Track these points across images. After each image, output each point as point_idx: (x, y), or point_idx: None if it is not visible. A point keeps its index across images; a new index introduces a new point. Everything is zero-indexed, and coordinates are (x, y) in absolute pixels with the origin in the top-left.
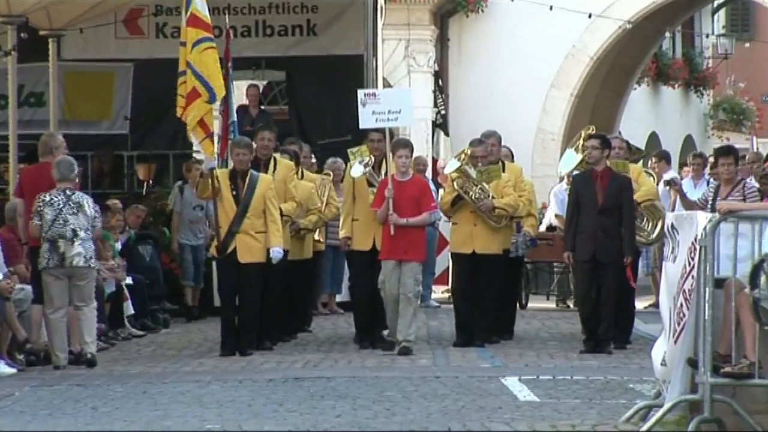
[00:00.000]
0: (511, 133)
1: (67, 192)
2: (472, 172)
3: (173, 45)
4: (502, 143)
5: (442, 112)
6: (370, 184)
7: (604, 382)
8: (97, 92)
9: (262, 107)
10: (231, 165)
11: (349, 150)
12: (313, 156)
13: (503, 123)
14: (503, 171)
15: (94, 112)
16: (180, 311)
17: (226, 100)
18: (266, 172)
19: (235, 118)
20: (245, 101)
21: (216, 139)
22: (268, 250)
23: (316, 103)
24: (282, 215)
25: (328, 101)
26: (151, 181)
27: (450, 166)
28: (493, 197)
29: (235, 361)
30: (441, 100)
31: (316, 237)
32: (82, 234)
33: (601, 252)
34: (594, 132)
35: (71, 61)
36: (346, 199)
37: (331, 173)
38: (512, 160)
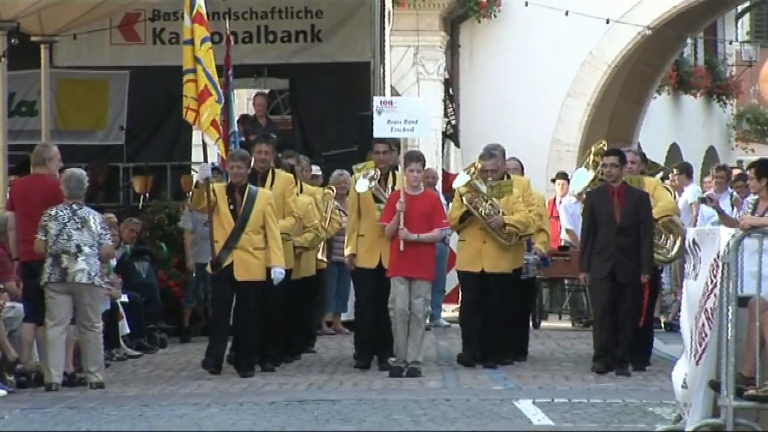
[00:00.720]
0: (525, 144)
1: (74, 206)
2: (482, 187)
3: (171, 51)
4: (513, 155)
5: (453, 122)
6: (376, 200)
7: (622, 405)
8: (92, 101)
9: (272, 117)
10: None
11: (354, 166)
12: (318, 168)
13: (516, 133)
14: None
15: (88, 121)
16: (177, 331)
17: (227, 109)
18: (264, 185)
19: (236, 128)
20: (251, 111)
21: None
22: (268, 269)
23: (320, 112)
24: (280, 233)
25: (333, 111)
26: (147, 194)
27: (459, 180)
28: (503, 213)
29: (236, 382)
30: (451, 109)
31: (319, 256)
32: (86, 250)
33: (620, 271)
34: (605, 146)
35: (64, 69)
36: (350, 214)
37: (335, 188)
38: (522, 173)
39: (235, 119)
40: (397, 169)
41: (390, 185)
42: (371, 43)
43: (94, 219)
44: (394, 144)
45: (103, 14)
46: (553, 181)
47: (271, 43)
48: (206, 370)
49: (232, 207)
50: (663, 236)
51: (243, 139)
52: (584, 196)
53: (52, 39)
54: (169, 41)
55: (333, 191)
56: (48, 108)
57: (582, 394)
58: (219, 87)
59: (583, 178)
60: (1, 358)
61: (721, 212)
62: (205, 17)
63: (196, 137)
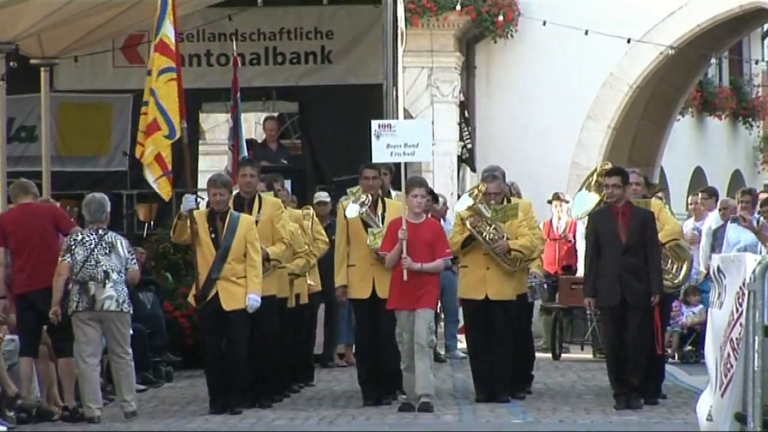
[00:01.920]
0: (544, 168)
1: (100, 231)
2: (486, 211)
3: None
4: (532, 179)
5: (468, 146)
6: (367, 226)
7: None
8: (94, 126)
9: (281, 141)
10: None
11: (349, 189)
12: (327, 194)
13: (535, 157)
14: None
15: (91, 147)
16: (184, 363)
17: (236, 134)
18: (250, 211)
19: (246, 154)
20: (259, 134)
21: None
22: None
23: (331, 136)
24: (270, 259)
25: (344, 134)
26: (152, 222)
27: (461, 203)
28: (507, 238)
29: (245, 417)
30: (467, 132)
31: (309, 281)
32: (114, 276)
33: (629, 295)
34: (610, 167)
35: (65, 92)
36: (339, 242)
37: (311, 208)
38: (519, 196)
39: (245, 144)
40: (389, 196)
41: (380, 212)
42: (384, 65)
43: (122, 244)
44: (385, 169)
45: (106, 36)
46: (550, 202)
47: (280, 65)
48: (215, 413)
49: (213, 236)
50: (670, 261)
51: None
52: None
53: (53, 62)
54: None
55: (311, 210)
56: (48, 133)
57: (603, 427)
58: (174, 122)
59: (585, 202)
60: (1, 393)
61: (757, 231)
62: (171, 45)
63: (203, 163)
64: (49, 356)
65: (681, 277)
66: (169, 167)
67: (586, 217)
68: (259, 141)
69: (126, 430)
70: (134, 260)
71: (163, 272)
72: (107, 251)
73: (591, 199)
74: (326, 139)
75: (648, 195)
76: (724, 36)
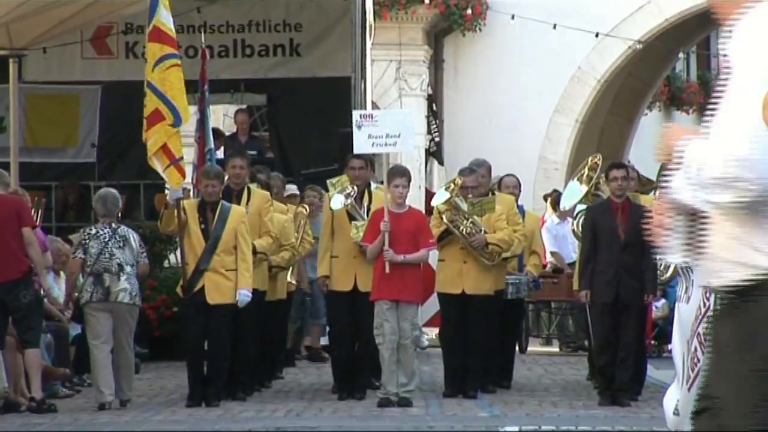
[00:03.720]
0: (512, 161)
1: (113, 225)
2: (463, 205)
3: (144, 66)
4: (499, 172)
5: (437, 139)
6: (352, 218)
7: None
8: (62, 117)
9: (254, 134)
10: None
11: (328, 180)
12: (296, 187)
13: (503, 151)
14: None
15: (59, 138)
16: (151, 356)
17: (203, 126)
18: (239, 202)
19: (212, 146)
20: (228, 127)
21: (191, 168)
22: None
23: (299, 129)
24: (256, 252)
25: (312, 127)
26: (120, 214)
27: (438, 197)
28: (485, 232)
29: (211, 409)
30: (435, 126)
31: (288, 278)
32: (127, 269)
33: (623, 293)
34: (599, 161)
35: (34, 83)
36: (323, 234)
37: (307, 207)
38: (519, 191)
39: (211, 136)
40: (372, 186)
41: (366, 203)
42: (352, 58)
43: (134, 238)
44: (365, 160)
45: (74, 27)
46: (545, 198)
47: (249, 57)
48: (193, 406)
49: (203, 226)
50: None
51: (220, 157)
52: (572, 212)
53: (21, 53)
54: (142, 55)
55: (306, 210)
56: (17, 124)
57: (570, 421)
58: (178, 109)
59: (575, 192)
60: None
61: None
62: (169, 32)
63: None
64: (16, 347)
65: (669, 273)
66: (177, 155)
67: (575, 209)
68: (228, 134)
69: (94, 421)
70: (145, 254)
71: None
72: (121, 245)
73: (580, 190)
74: (294, 132)
75: (644, 191)
76: (692, 31)
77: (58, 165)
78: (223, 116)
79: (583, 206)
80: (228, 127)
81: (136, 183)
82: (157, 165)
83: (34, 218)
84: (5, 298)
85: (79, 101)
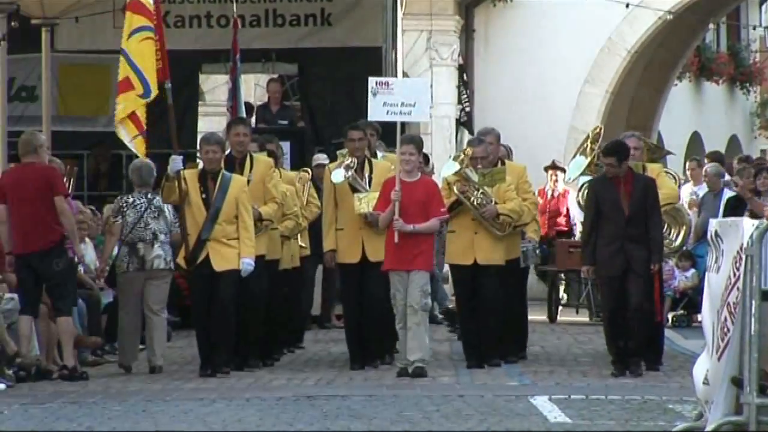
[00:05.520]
0: (542, 132)
1: (149, 195)
2: (473, 175)
3: (176, 35)
4: (529, 143)
5: (467, 109)
6: (354, 189)
7: (641, 403)
8: (94, 86)
9: (285, 103)
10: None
11: (338, 152)
12: (326, 156)
13: (533, 121)
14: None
15: (91, 107)
16: (182, 324)
17: (235, 95)
18: (242, 171)
19: (244, 114)
20: (259, 97)
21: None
22: None
23: (330, 98)
24: (262, 219)
25: (343, 97)
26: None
27: (447, 168)
28: (495, 202)
29: (242, 377)
30: (465, 96)
31: (300, 242)
32: (162, 237)
33: (635, 262)
34: (601, 131)
35: (66, 53)
36: (326, 206)
37: (310, 171)
38: (510, 158)
39: (243, 106)
40: (375, 157)
41: (367, 174)
42: (383, 28)
43: (168, 208)
44: (372, 129)
45: None
46: (546, 170)
47: (280, 26)
48: (205, 376)
49: (204, 196)
50: (667, 225)
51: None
52: (578, 183)
53: (53, 22)
54: (175, 24)
55: (309, 173)
56: (49, 93)
57: (600, 390)
58: (150, 81)
59: (578, 165)
60: (0, 352)
61: (749, 198)
62: (147, 3)
63: (202, 124)
64: (49, 316)
65: (679, 241)
66: (144, 127)
67: (579, 181)
68: (260, 103)
69: (124, 389)
70: (178, 223)
71: None
72: (156, 215)
73: (584, 163)
74: (325, 101)
75: (656, 159)
76: (723, 1)
77: (90, 134)
78: (254, 85)
79: (587, 178)
80: (259, 97)
81: (167, 152)
82: (123, 134)
83: (66, 187)
84: (38, 266)
85: (110, 70)
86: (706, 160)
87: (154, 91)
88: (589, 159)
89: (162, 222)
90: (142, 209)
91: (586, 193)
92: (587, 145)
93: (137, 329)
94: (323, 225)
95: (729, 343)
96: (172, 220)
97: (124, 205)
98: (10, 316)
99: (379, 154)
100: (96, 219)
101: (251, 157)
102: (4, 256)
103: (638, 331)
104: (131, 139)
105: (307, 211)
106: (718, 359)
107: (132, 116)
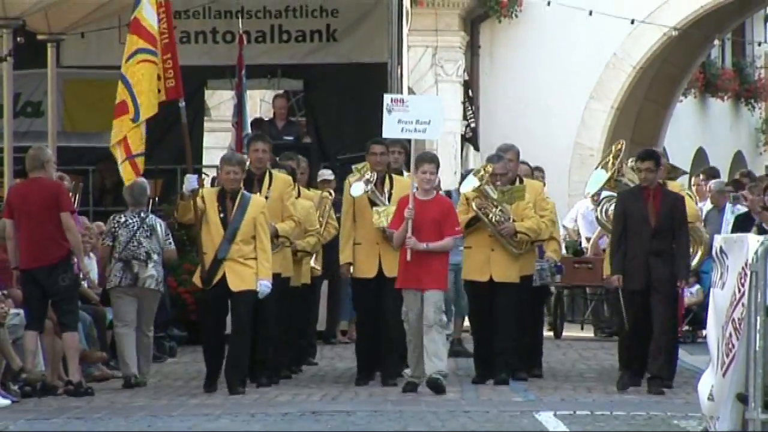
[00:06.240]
0: (547, 147)
1: (141, 214)
2: (492, 192)
3: (181, 50)
4: (534, 159)
5: (472, 125)
6: (373, 204)
7: (647, 418)
8: (100, 102)
9: (291, 119)
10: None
11: (354, 166)
12: (331, 172)
13: (538, 137)
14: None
15: (96, 123)
16: (188, 339)
17: (240, 111)
18: (260, 188)
19: (249, 131)
20: (265, 113)
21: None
22: None
23: (335, 114)
24: (279, 236)
25: (348, 112)
26: (157, 198)
27: (467, 183)
28: (513, 220)
29: (247, 393)
30: (471, 112)
31: (312, 263)
32: (154, 257)
33: (654, 279)
34: (623, 147)
35: (71, 68)
36: (345, 220)
37: (332, 191)
38: (532, 176)
39: (249, 122)
40: (401, 174)
41: (387, 190)
42: (388, 43)
43: (160, 226)
44: (400, 148)
45: (112, 12)
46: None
47: (285, 42)
48: (210, 392)
49: (222, 215)
50: None
51: None
52: (597, 198)
53: (59, 38)
54: (180, 40)
55: (331, 195)
56: (54, 109)
57: (605, 406)
58: (139, 104)
59: (598, 179)
60: (6, 367)
61: (758, 212)
62: (149, 27)
63: (208, 140)
64: (55, 331)
65: (696, 260)
66: (133, 151)
67: (597, 195)
68: (266, 118)
69: (130, 404)
70: (170, 241)
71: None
72: (149, 234)
73: (604, 177)
74: (330, 117)
75: (671, 177)
76: (728, 18)
77: (96, 149)
78: (260, 101)
79: (607, 193)
80: (265, 112)
81: (173, 167)
82: (118, 157)
83: (73, 203)
84: (44, 281)
85: (116, 86)
86: (701, 176)
87: (143, 115)
88: (609, 174)
89: (154, 241)
90: (135, 228)
91: (612, 206)
92: (609, 160)
93: (133, 341)
94: (341, 238)
95: (734, 359)
96: (164, 238)
97: (116, 225)
98: (15, 331)
99: (405, 173)
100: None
101: (270, 174)
102: (10, 272)
103: (661, 352)
104: (120, 163)
105: (325, 231)
106: (723, 375)
107: (123, 140)
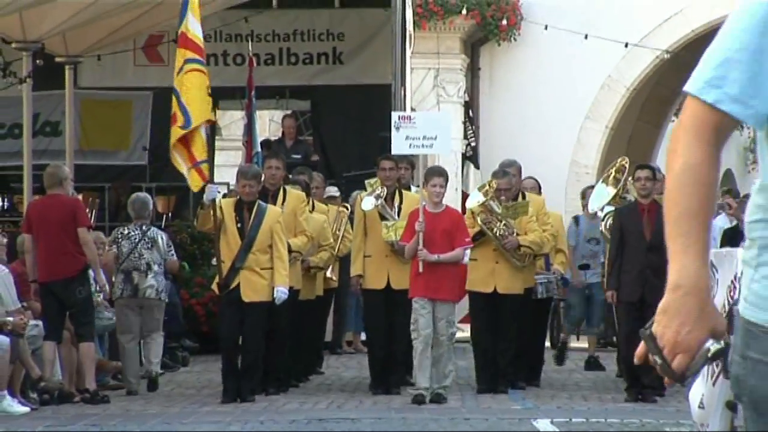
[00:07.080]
0: (544, 165)
1: (143, 227)
2: (497, 207)
3: None
4: (530, 174)
5: (473, 144)
6: (383, 218)
7: (640, 426)
8: (115, 121)
9: (299, 138)
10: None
11: (366, 181)
12: (336, 189)
13: (536, 155)
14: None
15: (112, 142)
16: (199, 349)
17: (250, 130)
18: (275, 203)
19: (259, 149)
20: (274, 132)
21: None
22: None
23: (341, 133)
24: (291, 251)
25: (354, 132)
26: (170, 214)
27: (473, 198)
28: (517, 234)
29: (257, 401)
30: (471, 131)
31: (329, 274)
32: (155, 268)
33: (649, 292)
34: (626, 163)
35: (88, 89)
36: (356, 234)
37: (350, 206)
38: (539, 192)
39: (258, 141)
40: (408, 189)
41: (396, 204)
42: (392, 66)
43: (162, 238)
44: (406, 163)
45: (127, 36)
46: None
47: (293, 65)
48: (227, 402)
49: (239, 225)
50: None
51: None
52: (599, 213)
53: (77, 60)
54: None
55: (347, 210)
56: (72, 128)
57: (599, 414)
58: (188, 111)
59: (602, 195)
60: (25, 376)
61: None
62: (195, 39)
63: (219, 158)
64: (71, 341)
65: None
66: (198, 158)
67: (601, 211)
68: (275, 138)
69: (144, 412)
70: (172, 252)
71: (180, 262)
72: (150, 246)
73: (608, 192)
74: (336, 136)
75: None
76: None
77: (111, 167)
78: (269, 121)
79: (611, 208)
80: (274, 132)
81: (185, 184)
82: (182, 165)
83: (89, 218)
84: (62, 294)
85: (131, 106)
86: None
87: (195, 120)
88: (615, 191)
89: (155, 253)
90: (136, 240)
91: (611, 221)
92: (611, 173)
93: (137, 354)
94: (352, 251)
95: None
96: (166, 249)
97: (119, 236)
98: (34, 341)
99: (413, 189)
100: None
101: (284, 190)
102: (29, 284)
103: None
104: (188, 169)
105: (342, 245)
106: (713, 384)
107: (186, 148)
